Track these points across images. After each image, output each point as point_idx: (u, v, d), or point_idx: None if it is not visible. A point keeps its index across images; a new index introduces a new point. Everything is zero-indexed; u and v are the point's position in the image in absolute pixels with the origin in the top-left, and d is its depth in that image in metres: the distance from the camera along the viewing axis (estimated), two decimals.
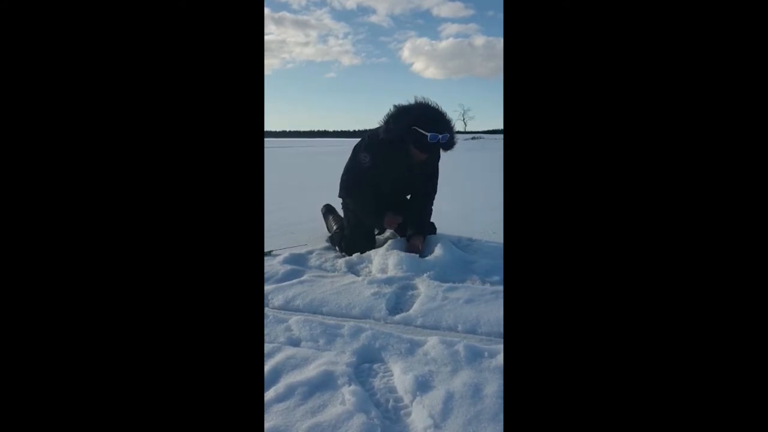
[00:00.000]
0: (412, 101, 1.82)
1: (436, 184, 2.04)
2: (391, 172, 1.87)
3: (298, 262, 1.76)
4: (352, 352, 1.03)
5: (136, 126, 0.60)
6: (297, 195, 3.81)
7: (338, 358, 0.99)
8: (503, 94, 0.64)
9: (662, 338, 0.55)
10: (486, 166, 7.19)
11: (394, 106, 1.83)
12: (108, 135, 0.59)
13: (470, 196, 3.72)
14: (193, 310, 0.59)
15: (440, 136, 1.73)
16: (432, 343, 1.05)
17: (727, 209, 0.55)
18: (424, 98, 1.83)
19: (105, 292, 0.57)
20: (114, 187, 0.59)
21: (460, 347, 1.01)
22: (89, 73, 0.59)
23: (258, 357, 0.62)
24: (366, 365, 1.00)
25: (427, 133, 1.71)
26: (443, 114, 1.81)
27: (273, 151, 16.40)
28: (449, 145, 1.85)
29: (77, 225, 0.58)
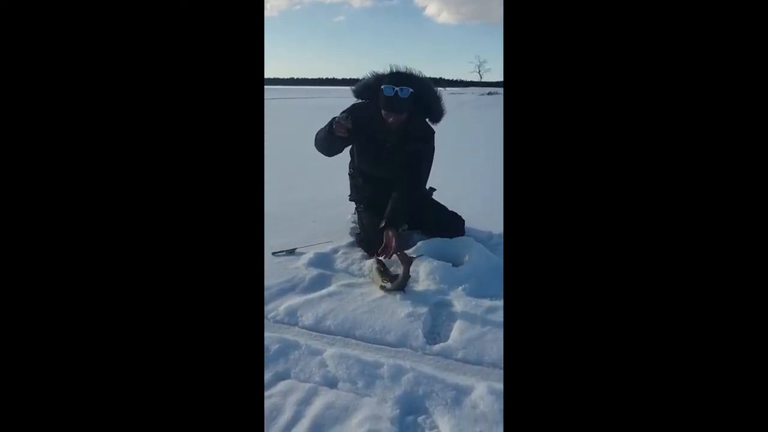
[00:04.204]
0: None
1: (425, 168, 1.79)
2: (365, 132, 1.72)
3: (324, 265, 1.68)
4: (395, 400, 0.96)
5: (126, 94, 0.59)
6: (316, 166, 3.58)
7: (381, 410, 0.93)
8: (504, 99, 0.65)
9: (663, 349, 0.55)
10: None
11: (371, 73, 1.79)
12: (103, 123, 0.59)
13: (493, 175, 3.56)
14: (192, 313, 0.58)
15: (397, 88, 1.60)
16: (479, 392, 0.98)
17: (729, 211, 0.55)
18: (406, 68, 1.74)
19: (102, 293, 0.57)
20: (106, 179, 0.58)
21: None
22: (87, 61, 0.58)
23: (258, 365, 0.63)
24: (410, 418, 0.93)
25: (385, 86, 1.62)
26: (413, 73, 1.71)
27: (283, 102, 15.98)
28: (436, 113, 1.75)
29: (70, 220, 0.57)
